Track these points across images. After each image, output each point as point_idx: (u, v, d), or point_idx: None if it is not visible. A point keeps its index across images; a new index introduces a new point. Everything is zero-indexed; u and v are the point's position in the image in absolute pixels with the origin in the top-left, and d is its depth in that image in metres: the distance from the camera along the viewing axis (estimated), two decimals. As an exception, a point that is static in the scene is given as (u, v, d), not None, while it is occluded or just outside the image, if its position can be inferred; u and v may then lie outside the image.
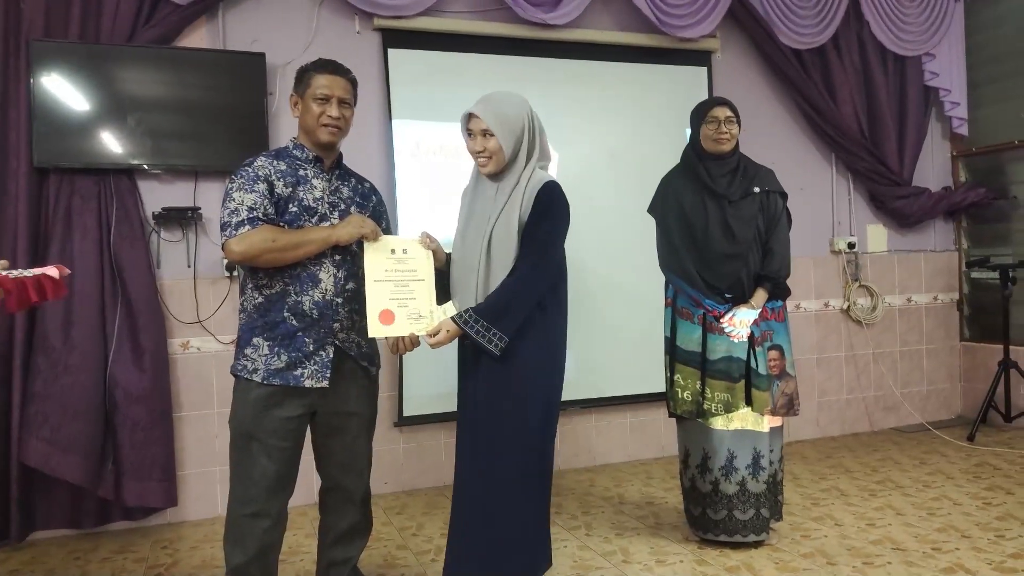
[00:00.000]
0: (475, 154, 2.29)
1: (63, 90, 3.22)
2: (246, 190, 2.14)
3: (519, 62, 4.03)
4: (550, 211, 2.22)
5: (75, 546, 3.20)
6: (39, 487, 3.22)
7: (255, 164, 2.20)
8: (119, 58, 3.29)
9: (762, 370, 2.85)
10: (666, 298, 3.01)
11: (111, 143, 3.29)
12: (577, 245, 3.98)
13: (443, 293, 2.35)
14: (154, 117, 3.35)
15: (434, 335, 2.19)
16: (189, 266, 3.47)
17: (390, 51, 3.81)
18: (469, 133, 2.29)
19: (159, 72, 3.35)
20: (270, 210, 2.15)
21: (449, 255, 2.39)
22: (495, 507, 2.22)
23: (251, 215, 2.11)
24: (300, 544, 3.10)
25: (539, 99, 3.96)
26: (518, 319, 2.17)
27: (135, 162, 3.33)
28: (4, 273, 1.76)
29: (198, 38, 3.52)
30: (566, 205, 2.28)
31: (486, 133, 2.23)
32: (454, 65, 3.91)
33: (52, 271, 1.82)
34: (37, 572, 2.93)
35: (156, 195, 3.43)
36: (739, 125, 2.91)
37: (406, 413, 3.82)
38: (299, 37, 3.64)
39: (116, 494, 3.26)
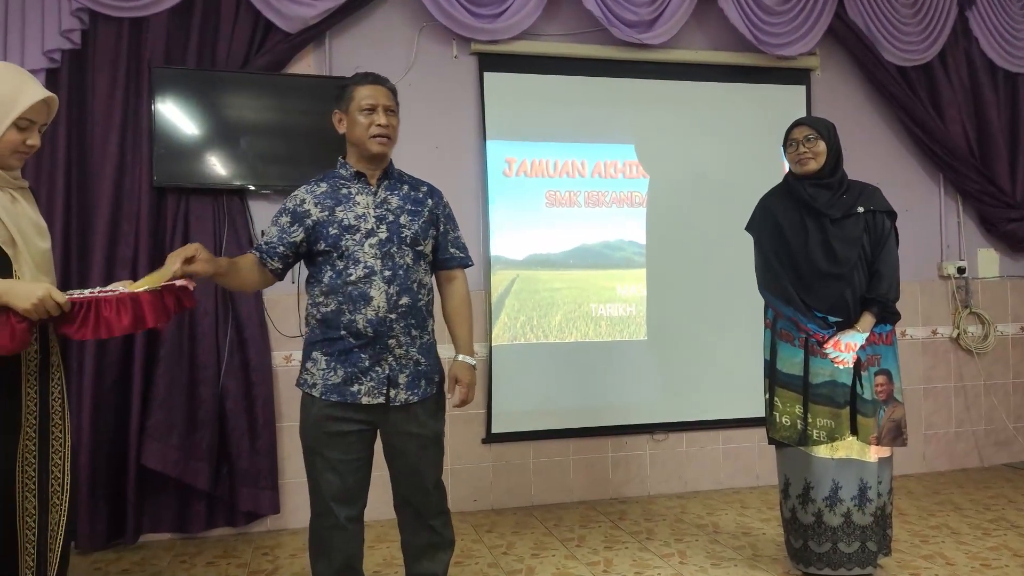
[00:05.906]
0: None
1: (180, 114, 3.40)
2: (273, 221, 2.28)
3: (612, 83, 4.04)
4: None
5: (181, 549, 3.33)
6: (150, 491, 3.38)
7: (294, 195, 2.29)
8: (233, 84, 3.47)
9: (867, 396, 2.73)
10: (765, 320, 2.93)
11: (224, 165, 3.46)
12: (667, 267, 4.03)
13: None
14: (264, 140, 3.51)
15: None
16: (293, 283, 3.59)
17: (486, 74, 3.89)
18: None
19: (270, 97, 3.51)
20: (274, 241, 2.23)
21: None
22: None
23: (256, 243, 2.24)
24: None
25: (631, 120, 4.06)
26: None
27: (245, 183, 3.49)
28: (140, 289, 1.85)
29: (306, 65, 3.67)
30: None
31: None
32: (548, 86, 3.96)
33: (186, 283, 1.92)
34: (146, 573, 3.06)
35: (264, 214, 3.58)
36: (826, 140, 2.80)
37: (494, 430, 3.84)
38: (400, 62, 3.75)
39: (231, 499, 3.43)
